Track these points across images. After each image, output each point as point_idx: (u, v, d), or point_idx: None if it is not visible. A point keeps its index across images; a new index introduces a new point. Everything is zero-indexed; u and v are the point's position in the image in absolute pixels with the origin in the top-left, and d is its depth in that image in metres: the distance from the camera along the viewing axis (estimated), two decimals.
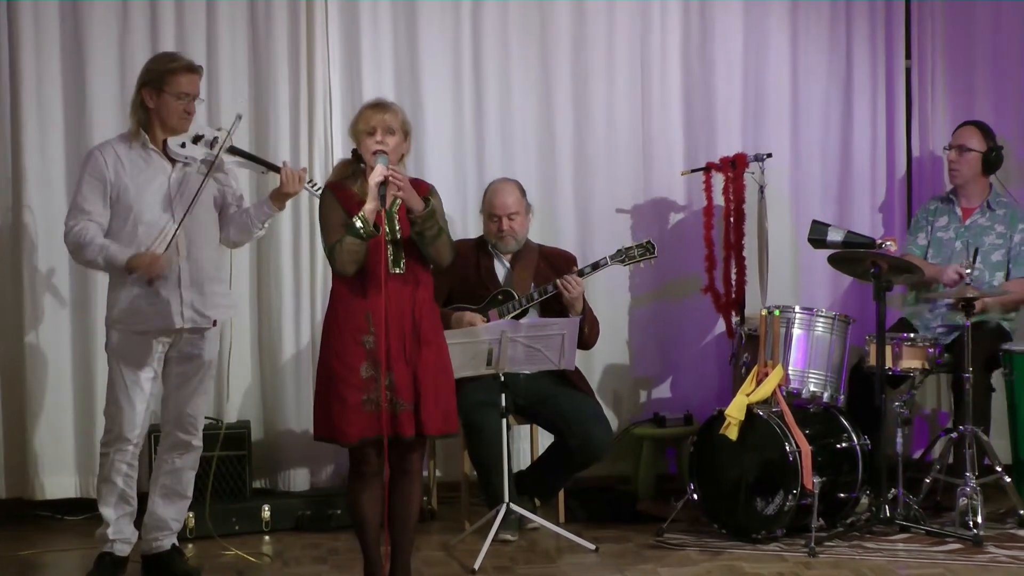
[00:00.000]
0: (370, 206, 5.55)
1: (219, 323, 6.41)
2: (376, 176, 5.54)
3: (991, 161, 7.58)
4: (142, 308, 6.20)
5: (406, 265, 5.67)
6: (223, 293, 6.43)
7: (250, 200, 6.76)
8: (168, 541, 6.48)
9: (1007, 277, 7.52)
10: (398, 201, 5.65)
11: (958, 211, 7.66)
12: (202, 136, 6.25)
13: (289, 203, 7.54)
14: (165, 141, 6.22)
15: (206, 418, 7.33)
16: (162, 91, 6.17)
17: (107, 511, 6.35)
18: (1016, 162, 8.20)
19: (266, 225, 6.40)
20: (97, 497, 6.45)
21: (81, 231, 6.14)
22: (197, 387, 6.40)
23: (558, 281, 7.15)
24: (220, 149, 6.23)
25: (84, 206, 6.18)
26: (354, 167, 5.74)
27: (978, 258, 7.25)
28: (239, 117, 6.36)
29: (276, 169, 6.34)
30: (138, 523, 6.49)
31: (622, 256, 7.28)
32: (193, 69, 6.24)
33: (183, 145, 6.21)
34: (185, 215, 6.16)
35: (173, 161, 6.24)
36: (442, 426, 5.71)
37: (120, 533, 6.38)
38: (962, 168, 7.57)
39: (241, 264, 7.65)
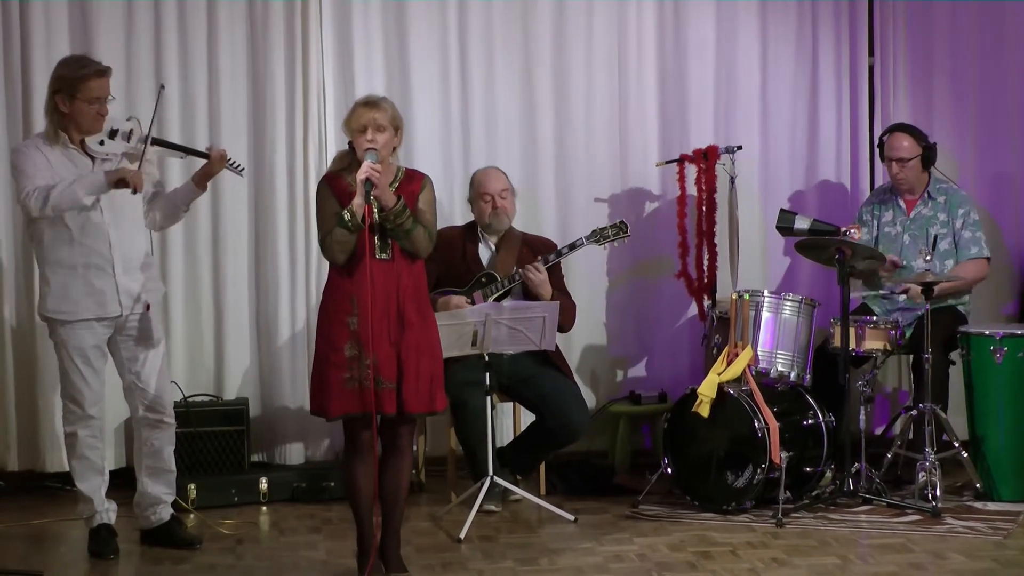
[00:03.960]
0: (357, 200, 5.57)
1: (154, 304, 6.36)
2: (361, 173, 5.55)
3: (927, 159, 7.53)
4: (78, 298, 6.15)
5: (392, 252, 5.66)
6: (154, 277, 6.40)
7: (172, 184, 6.76)
8: (166, 512, 6.48)
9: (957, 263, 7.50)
10: None
11: (902, 204, 7.61)
12: (117, 130, 6.18)
13: (285, 192, 7.68)
14: (83, 140, 6.15)
15: (206, 395, 7.35)
16: (74, 97, 6.08)
17: (87, 485, 6.34)
18: (969, 155, 8.20)
19: (189, 207, 6.38)
20: (73, 475, 6.41)
21: (42, 188, 6.00)
22: (153, 367, 6.34)
23: (520, 271, 7.15)
24: (131, 140, 6.17)
25: (34, 175, 6.04)
26: (351, 158, 5.73)
27: (942, 245, 7.32)
28: (162, 87, 6.44)
29: (198, 154, 6.32)
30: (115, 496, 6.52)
31: (597, 236, 7.27)
32: (103, 73, 6.14)
33: (102, 143, 6.15)
34: (144, 151, 6.10)
35: (92, 158, 6.16)
36: (425, 405, 5.70)
37: (104, 503, 6.39)
38: (907, 176, 7.50)
39: (239, 249, 7.71)
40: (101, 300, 6.16)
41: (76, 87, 6.07)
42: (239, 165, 6.42)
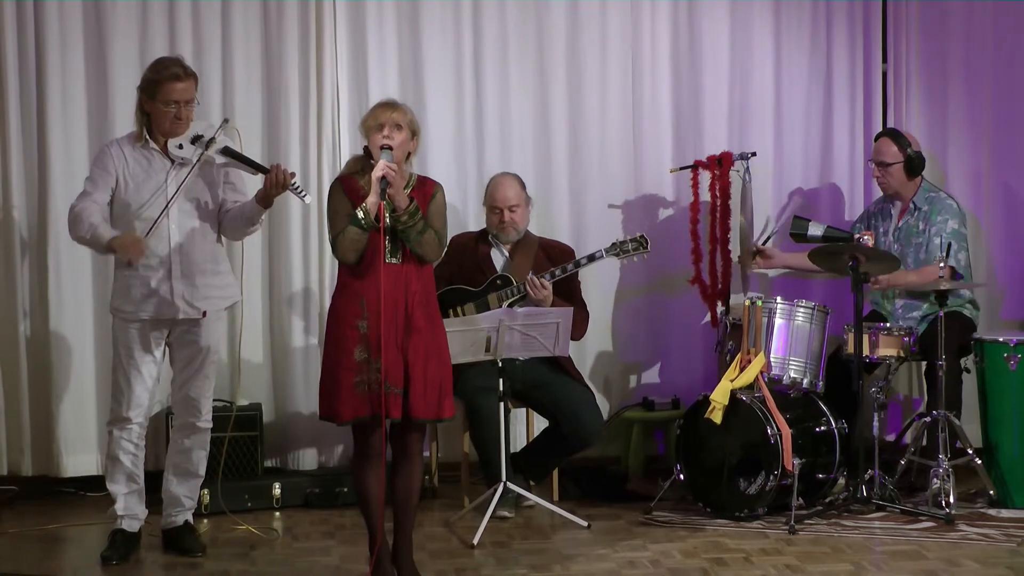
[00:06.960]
0: (372, 199, 5.54)
1: (212, 312, 6.35)
2: (377, 171, 5.53)
3: (913, 165, 7.50)
4: (135, 297, 6.21)
5: (403, 256, 5.63)
6: (219, 284, 6.37)
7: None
8: (181, 517, 6.48)
9: None
10: None
11: (893, 213, 7.61)
12: (200, 136, 6.22)
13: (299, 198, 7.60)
14: (167, 141, 6.21)
15: (220, 401, 7.33)
16: (154, 99, 6.15)
17: (114, 487, 6.37)
18: (983, 160, 8.17)
19: (258, 222, 6.33)
20: (104, 474, 6.47)
21: (82, 209, 6.12)
22: (197, 371, 6.37)
23: (525, 282, 7.11)
24: (208, 149, 6.18)
25: (89, 189, 6.19)
26: (364, 163, 5.72)
27: (921, 255, 7.36)
28: (225, 121, 6.35)
29: (265, 171, 6.25)
30: (153, 500, 6.52)
31: (616, 249, 7.23)
32: (179, 77, 6.16)
33: (180, 146, 6.19)
34: (168, 205, 6.12)
35: (173, 160, 6.21)
36: (432, 411, 5.64)
37: (128, 510, 6.38)
38: (888, 180, 7.52)
39: (253, 255, 7.64)
40: (156, 301, 6.20)
41: (154, 89, 6.15)
42: (302, 190, 6.36)
